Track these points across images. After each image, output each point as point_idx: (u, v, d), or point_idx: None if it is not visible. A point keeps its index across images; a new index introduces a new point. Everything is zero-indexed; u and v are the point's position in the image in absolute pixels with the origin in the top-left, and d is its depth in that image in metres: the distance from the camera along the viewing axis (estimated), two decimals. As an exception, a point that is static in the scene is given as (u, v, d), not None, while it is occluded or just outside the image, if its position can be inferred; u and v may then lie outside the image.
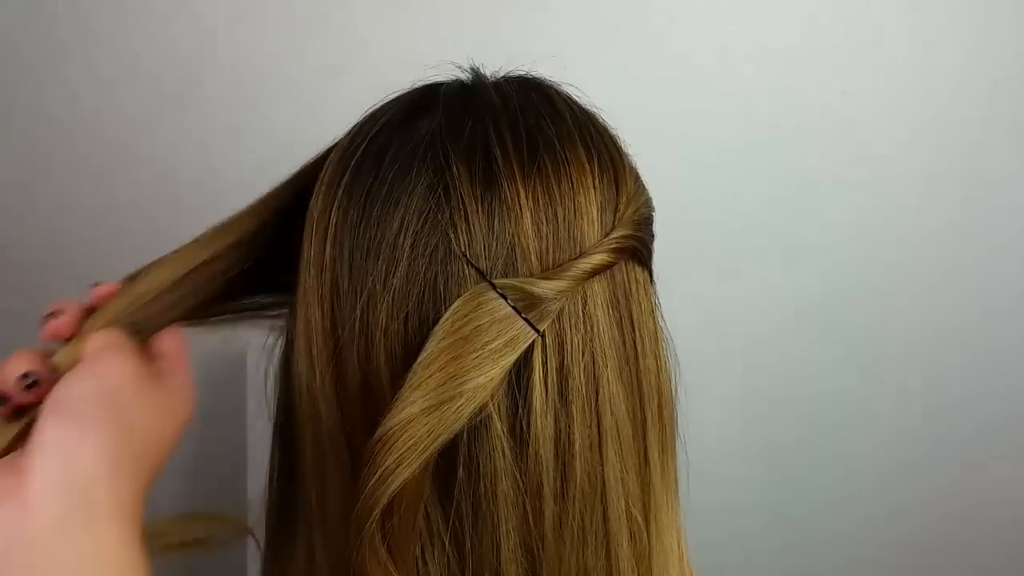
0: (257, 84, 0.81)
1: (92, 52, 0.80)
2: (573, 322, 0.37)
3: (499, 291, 0.35)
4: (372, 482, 0.35)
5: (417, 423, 0.35)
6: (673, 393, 0.43)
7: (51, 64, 0.81)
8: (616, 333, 0.38)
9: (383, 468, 0.35)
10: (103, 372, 0.36)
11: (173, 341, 0.41)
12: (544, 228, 0.36)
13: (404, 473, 0.35)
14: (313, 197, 0.41)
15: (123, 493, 0.33)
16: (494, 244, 0.36)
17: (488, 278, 0.36)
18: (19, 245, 0.85)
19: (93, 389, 0.35)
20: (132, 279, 0.42)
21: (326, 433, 0.39)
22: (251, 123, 0.83)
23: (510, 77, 0.43)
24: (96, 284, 0.41)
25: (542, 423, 0.36)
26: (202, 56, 0.81)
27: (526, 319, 0.36)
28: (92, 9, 0.79)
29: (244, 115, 0.82)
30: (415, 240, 0.36)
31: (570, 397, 0.37)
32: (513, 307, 0.35)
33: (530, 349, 0.36)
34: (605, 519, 0.38)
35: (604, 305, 0.38)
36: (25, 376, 0.36)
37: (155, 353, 0.40)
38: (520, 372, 0.36)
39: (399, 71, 0.44)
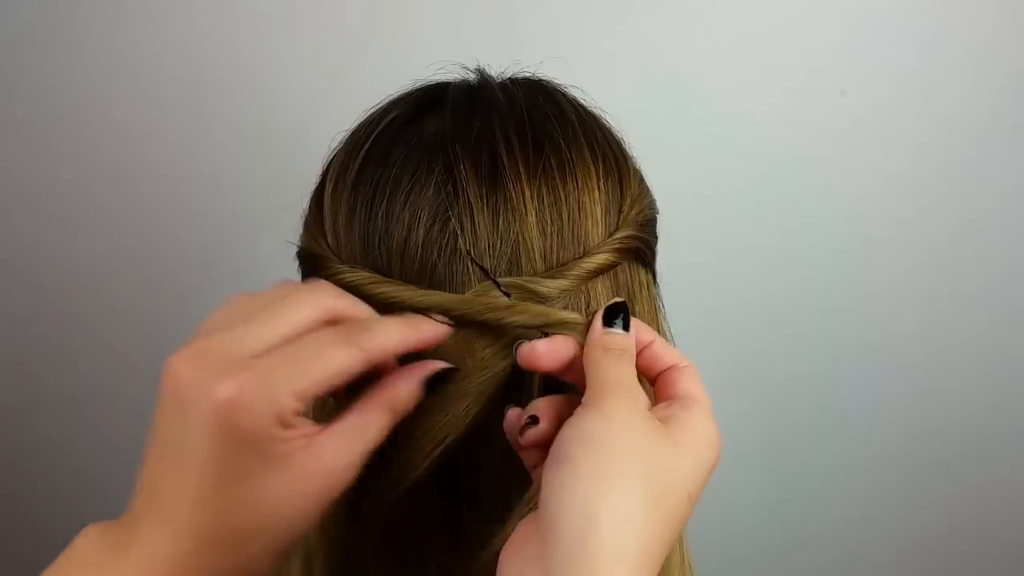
0: (255, 85, 0.81)
1: (90, 52, 0.81)
2: None
3: (503, 289, 0.35)
4: (382, 479, 0.35)
5: (426, 422, 0.35)
6: (675, 395, 0.43)
7: (51, 63, 0.81)
8: None
9: (392, 467, 0.35)
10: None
11: None
12: (548, 227, 0.37)
13: (412, 471, 0.35)
14: (320, 189, 0.41)
15: None
16: (498, 243, 0.36)
17: (492, 276, 0.36)
18: (20, 247, 0.85)
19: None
20: None
21: None
22: (250, 124, 0.83)
23: (516, 78, 0.44)
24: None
25: None
26: (201, 57, 0.81)
27: None
28: (91, 9, 0.80)
29: (243, 116, 0.83)
30: (422, 238, 0.36)
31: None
32: None
33: None
34: None
35: None
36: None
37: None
38: (524, 371, 0.36)
39: (402, 73, 0.44)
